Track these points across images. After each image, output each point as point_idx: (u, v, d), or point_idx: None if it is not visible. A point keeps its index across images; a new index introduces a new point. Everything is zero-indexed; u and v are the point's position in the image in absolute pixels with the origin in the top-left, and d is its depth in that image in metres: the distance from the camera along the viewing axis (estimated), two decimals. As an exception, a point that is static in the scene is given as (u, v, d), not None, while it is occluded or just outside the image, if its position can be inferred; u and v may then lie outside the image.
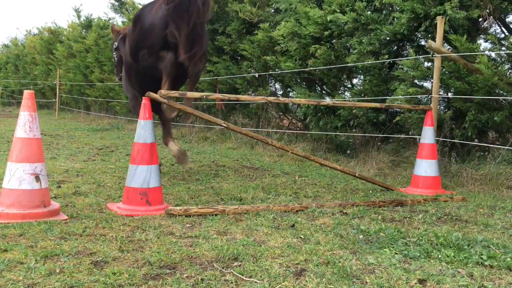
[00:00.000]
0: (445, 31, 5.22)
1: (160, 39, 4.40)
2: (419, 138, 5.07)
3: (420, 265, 2.56)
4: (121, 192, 4.06)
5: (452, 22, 5.30)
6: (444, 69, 5.33)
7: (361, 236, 3.04)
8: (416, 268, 2.50)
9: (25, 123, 3.18)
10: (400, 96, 5.63)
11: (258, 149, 7.64)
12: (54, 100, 16.49)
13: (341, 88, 7.41)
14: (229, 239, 2.92)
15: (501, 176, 4.84)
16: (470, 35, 5.52)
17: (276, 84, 8.90)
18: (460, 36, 5.09)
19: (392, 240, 2.97)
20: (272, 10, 8.33)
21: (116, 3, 13.37)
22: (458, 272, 2.47)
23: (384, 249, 2.79)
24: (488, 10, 5.17)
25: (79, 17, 15.80)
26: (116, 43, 5.67)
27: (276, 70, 7.95)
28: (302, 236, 3.01)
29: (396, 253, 2.73)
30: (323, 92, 7.78)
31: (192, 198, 4.05)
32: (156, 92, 3.87)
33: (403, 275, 2.39)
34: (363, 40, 6.13)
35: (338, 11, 6.41)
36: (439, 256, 2.68)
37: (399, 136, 6.30)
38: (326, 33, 6.58)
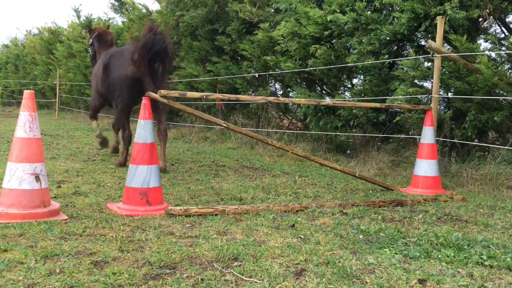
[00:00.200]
0: (445, 31, 5.22)
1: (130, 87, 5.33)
2: (419, 138, 5.07)
3: (420, 265, 2.56)
4: (121, 192, 4.06)
5: (452, 22, 5.30)
6: (444, 69, 5.33)
7: (361, 236, 3.04)
8: (416, 268, 2.50)
9: (25, 123, 3.18)
10: (400, 96, 5.63)
11: (258, 149, 7.64)
12: (54, 100, 16.49)
13: (341, 88, 7.41)
14: (229, 239, 2.92)
15: (501, 176, 4.84)
16: (470, 35, 5.52)
17: (276, 84, 8.90)
18: (460, 36, 5.09)
19: (392, 240, 2.97)
20: (272, 10, 8.33)
21: (116, 3, 13.38)
22: (458, 272, 2.47)
23: (384, 249, 2.79)
24: (488, 10, 5.17)
25: (79, 17, 15.80)
26: (91, 40, 6.45)
27: (276, 70, 7.95)
28: (302, 236, 3.01)
29: (396, 253, 2.73)
30: (323, 92, 7.78)
31: (192, 198, 4.05)
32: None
33: (403, 275, 2.39)
34: (363, 40, 6.13)
35: (338, 11, 6.41)
36: (439, 256, 2.68)
37: (399, 136, 6.30)
38: (326, 33, 6.58)
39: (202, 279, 2.28)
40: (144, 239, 2.86)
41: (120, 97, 5.44)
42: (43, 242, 2.71)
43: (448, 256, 2.66)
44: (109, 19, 14.78)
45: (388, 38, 5.96)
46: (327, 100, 5.96)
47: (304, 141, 7.34)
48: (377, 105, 5.11)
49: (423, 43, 6.01)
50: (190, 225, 3.22)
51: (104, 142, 6.33)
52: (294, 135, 7.70)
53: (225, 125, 4.13)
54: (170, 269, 2.39)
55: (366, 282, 2.31)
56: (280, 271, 2.40)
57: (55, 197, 3.88)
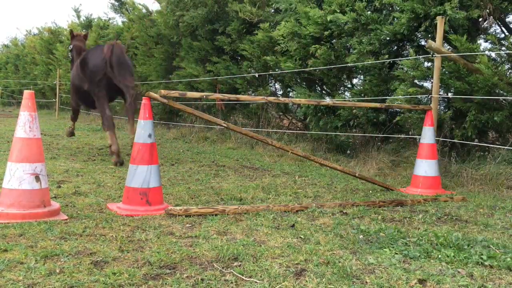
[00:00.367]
0: (445, 31, 5.22)
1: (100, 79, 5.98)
2: (419, 138, 5.07)
3: (420, 265, 2.56)
4: (121, 192, 4.06)
5: (452, 22, 5.31)
6: (444, 69, 5.33)
7: (361, 236, 3.04)
8: (416, 268, 2.50)
9: (25, 123, 3.18)
10: (400, 96, 5.63)
11: (258, 149, 7.64)
12: (54, 100, 16.49)
13: (341, 88, 7.42)
14: (229, 239, 2.92)
15: (501, 176, 4.84)
16: (470, 35, 5.52)
17: (276, 84, 8.90)
18: (460, 36, 5.09)
19: (392, 240, 2.97)
20: (272, 10, 8.33)
21: (116, 3, 13.38)
22: (458, 272, 2.47)
23: (384, 249, 2.79)
24: (488, 10, 5.17)
25: (79, 17, 15.81)
26: (71, 46, 7.05)
27: (276, 70, 7.95)
28: (302, 236, 3.01)
29: (396, 253, 2.73)
30: (323, 92, 7.78)
31: (192, 198, 4.05)
32: (88, 102, 6.43)
33: (403, 275, 2.39)
34: (363, 40, 6.13)
35: (338, 11, 6.41)
36: (439, 256, 2.68)
37: (399, 136, 6.30)
38: (326, 33, 6.58)
39: (202, 279, 2.28)
40: (144, 239, 2.86)
41: (97, 83, 6.06)
42: (43, 242, 2.71)
43: (448, 256, 2.66)
44: (109, 19, 14.79)
45: (388, 38, 5.96)
46: (327, 100, 5.96)
47: (304, 141, 7.34)
48: (377, 105, 5.11)
49: (423, 43, 6.01)
50: (190, 225, 3.22)
51: (71, 133, 7.30)
52: (294, 135, 7.70)
53: (225, 125, 4.13)
54: (170, 269, 2.39)
55: (366, 282, 2.31)
56: (280, 271, 2.40)
57: (55, 197, 3.88)
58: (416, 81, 5.84)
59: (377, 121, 6.43)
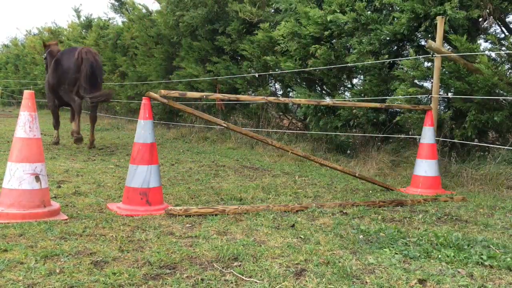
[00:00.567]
0: (445, 31, 5.22)
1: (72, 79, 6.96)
2: (419, 138, 5.07)
3: (420, 265, 2.56)
4: (121, 192, 4.06)
5: (452, 22, 5.31)
6: (444, 69, 5.33)
7: (361, 236, 3.04)
8: (416, 268, 2.50)
9: (25, 123, 3.18)
10: (400, 96, 5.63)
11: (258, 149, 7.64)
12: (54, 100, 16.44)
13: (341, 88, 7.41)
14: (229, 239, 2.92)
15: (501, 176, 4.84)
16: (470, 35, 5.52)
17: (276, 84, 8.90)
18: (460, 36, 5.09)
19: (392, 240, 2.97)
20: (272, 10, 8.33)
21: (116, 3, 13.38)
22: (458, 272, 2.47)
23: (384, 249, 2.79)
24: (488, 10, 5.17)
25: (79, 17, 15.81)
26: (45, 54, 7.86)
27: (276, 70, 7.95)
28: (302, 236, 3.01)
29: (396, 253, 2.73)
30: (323, 92, 7.78)
31: (192, 198, 4.05)
32: (63, 100, 7.49)
33: (403, 275, 2.39)
34: (363, 40, 6.13)
35: (338, 11, 6.41)
36: (439, 256, 2.68)
37: (399, 136, 6.30)
38: (326, 33, 6.58)
39: (202, 279, 2.28)
40: (144, 239, 2.86)
41: (68, 81, 7.02)
42: (43, 242, 2.71)
43: (448, 256, 2.66)
44: (109, 19, 14.77)
45: (388, 38, 5.96)
46: (327, 100, 5.97)
47: (304, 141, 7.34)
48: (377, 105, 5.11)
49: (423, 43, 6.01)
50: (190, 225, 3.22)
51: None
52: (294, 135, 7.70)
53: (225, 125, 4.13)
54: (170, 269, 2.40)
55: (366, 282, 2.31)
56: (280, 271, 2.40)
57: (55, 197, 3.88)
58: (416, 81, 5.84)
59: (377, 121, 6.43)
